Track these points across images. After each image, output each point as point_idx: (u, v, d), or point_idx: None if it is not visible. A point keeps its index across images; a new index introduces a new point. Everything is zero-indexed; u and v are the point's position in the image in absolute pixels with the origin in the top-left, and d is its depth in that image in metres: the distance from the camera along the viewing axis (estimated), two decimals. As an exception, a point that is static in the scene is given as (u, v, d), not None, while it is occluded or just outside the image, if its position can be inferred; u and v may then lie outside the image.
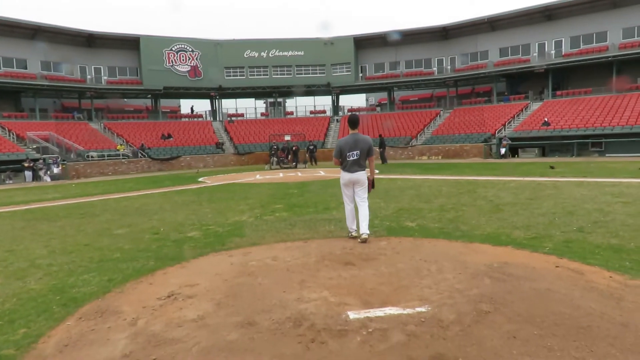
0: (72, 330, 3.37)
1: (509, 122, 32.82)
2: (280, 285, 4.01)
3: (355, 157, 5.86)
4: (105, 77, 38.81)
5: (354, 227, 6.06)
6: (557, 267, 4.26)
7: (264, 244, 5.95)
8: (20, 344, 3.18)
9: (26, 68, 34.78)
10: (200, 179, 20.36)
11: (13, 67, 34.12)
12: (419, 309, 3.23)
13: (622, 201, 8.18)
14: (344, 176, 6.03)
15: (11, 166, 25.94)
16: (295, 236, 6.39)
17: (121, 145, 33.48)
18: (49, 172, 26.39)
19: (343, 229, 6.46)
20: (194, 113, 44.94)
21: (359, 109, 46.31)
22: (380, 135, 28.23)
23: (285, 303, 3.51)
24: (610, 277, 3.93)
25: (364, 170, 6.01)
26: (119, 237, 7.07)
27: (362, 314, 3.20)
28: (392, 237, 6.00)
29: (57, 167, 26.66)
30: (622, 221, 6.36)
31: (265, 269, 4.63)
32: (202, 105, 45.87)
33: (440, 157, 31.68)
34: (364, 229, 5.82)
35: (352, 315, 3.19)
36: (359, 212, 5.93)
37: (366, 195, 6.03)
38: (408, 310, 3.23)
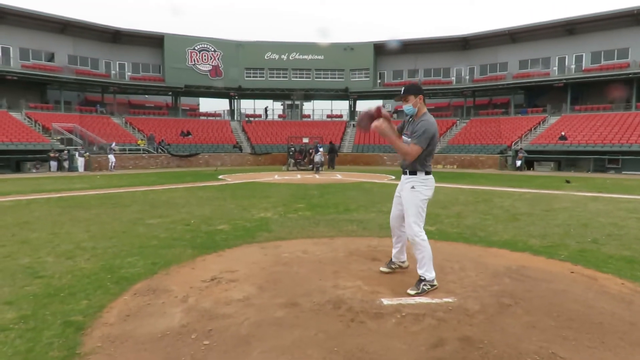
0: (130, 303, 3.74)
1: (526, 135, 32.87)
2: (315, 274, 4.36)
3: None
4: (129, 73, 39.77)
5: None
6: (572, 272, 4.55)
7: (292, 239, 6.30)
8: (85, 312, 3.53)
9: (53, 61, 35.79)
10: (220, 177, 20.85)
11: (41, 60, 35.16)
12: (446, 300, 3.58)
13: (637, 217, 8.40)
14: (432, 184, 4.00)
15: (38, 156, 26.74)
16: (320, 234, 6.73)
17: (142, 140, 34.22)
18: (81, 163, 27.04)
19: (365, 229, 6.75)
20: (214, 112, 45.70)
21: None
22: (331, 142, 32.31)
23: (323, 289, 3.87)
24: (622, 283, 4.21)
25: None
26: (152, 226, 7.48)
27: (395, 300, 3.55)
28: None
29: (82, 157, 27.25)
30: (635, 235, 6.60)
31: (298, 260, 4.99)
32: (220, 104, 46.83)
33: (455, 166, 31.82)
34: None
35: (386, 301, 3.54)
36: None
37: None
38: (436, 300, 3.58)
